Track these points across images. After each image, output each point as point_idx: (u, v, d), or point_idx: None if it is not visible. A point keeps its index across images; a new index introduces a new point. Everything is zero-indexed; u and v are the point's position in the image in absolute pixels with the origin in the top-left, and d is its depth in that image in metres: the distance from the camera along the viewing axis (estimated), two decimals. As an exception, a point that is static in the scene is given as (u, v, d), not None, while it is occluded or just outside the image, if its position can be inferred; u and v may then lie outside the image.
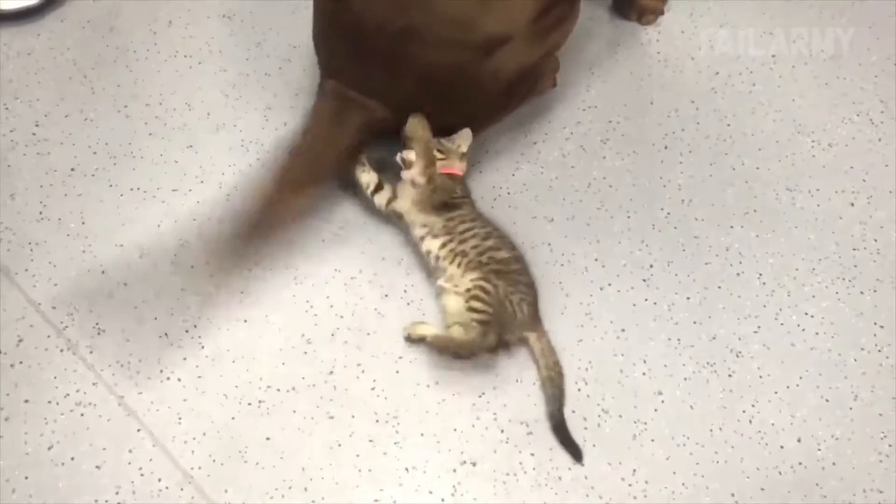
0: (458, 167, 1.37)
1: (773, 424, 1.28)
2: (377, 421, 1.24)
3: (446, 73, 1.29)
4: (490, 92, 1.35)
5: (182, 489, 1.18)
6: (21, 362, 1.26)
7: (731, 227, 1.46)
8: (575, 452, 1.23)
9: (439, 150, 1.35)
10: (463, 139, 1.37)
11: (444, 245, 1.31)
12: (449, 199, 1.34)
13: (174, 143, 1.48)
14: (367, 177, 1.38)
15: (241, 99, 1.54)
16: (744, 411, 1.29)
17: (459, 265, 1.29)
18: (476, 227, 1.32)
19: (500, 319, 1.25)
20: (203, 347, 1.29)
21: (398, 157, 1.36)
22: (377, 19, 1.27)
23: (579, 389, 1.29)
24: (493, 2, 1.26)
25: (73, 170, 1.44)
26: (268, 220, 1.32)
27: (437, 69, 1.29)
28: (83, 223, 1.38)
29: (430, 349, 1.28)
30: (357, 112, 1.34)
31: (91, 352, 1.27)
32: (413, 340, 1.30)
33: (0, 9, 1.59)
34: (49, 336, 1.28)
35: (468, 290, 1.26)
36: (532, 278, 1.31)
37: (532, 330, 1.28)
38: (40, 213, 1.39)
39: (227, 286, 1.33)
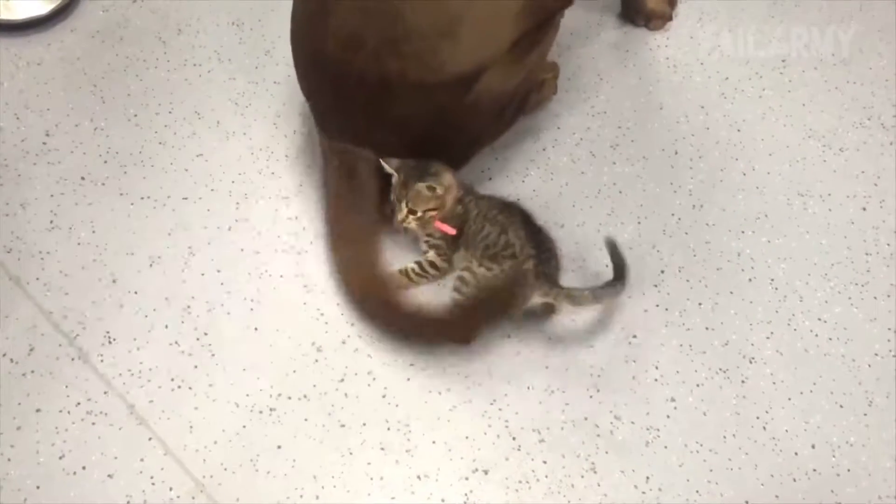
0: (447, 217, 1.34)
1: (786, 431, 1.27)
2: (388, 429, 1.24)
3: (427, 118, 1.28)
4: (475, 124, 1.34)
5: (193, 498, 1.17)
6: (32, 371, 1.26)
7: (743, 232, 1.46)
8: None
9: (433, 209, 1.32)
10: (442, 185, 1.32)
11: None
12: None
13: (184, 152, 1.48)
14: None
15: (250, 107, 1.54)
16: (757, 417, 1.28)
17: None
18: (480, 224, 1.32)
19: (488, 304, 1.28)
20: (214, 356, 1.28)
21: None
22: (356, 70, 1.25)
23: (591, 396, 1.28)
24: (465, 38, 1.23)
25: (83, 179, 1.44)
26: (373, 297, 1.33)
27: (417, 115, 1.28)
28: (94, 232, 1.39)
29: None
30: (361, 162, 1.33)
31: (102, 360, 1.27)
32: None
33: (9, 19, 1.59)
34: (60, 345, 1.28)
35: (457, 276, 1.31)
36: (529, 242, 1.28)
37: (537, 290, 1.26)
38: (51, 222, 1.39)
39: (238, 293, 1.33)
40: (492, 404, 1.27)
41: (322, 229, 1.39)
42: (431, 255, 1.34)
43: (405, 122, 1.29)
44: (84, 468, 1.19)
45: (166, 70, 1.58)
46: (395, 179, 1.31)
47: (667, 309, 1.37)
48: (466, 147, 1.38)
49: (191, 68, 1.59)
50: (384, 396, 1.26)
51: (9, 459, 1.19)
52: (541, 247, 1.30)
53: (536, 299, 1.28)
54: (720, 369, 1.32)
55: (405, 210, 1.31)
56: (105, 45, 1.60)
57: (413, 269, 1.34)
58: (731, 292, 1.39)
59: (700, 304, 1.38)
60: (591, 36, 1.67)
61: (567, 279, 1.38)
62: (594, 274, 1.39)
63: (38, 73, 1.56)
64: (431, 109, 1.27)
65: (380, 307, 1.31)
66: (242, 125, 1.52)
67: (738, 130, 1.58)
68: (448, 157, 1.37)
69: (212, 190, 1.44)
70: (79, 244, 1.37)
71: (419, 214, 1.31)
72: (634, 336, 1.34)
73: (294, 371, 1.28)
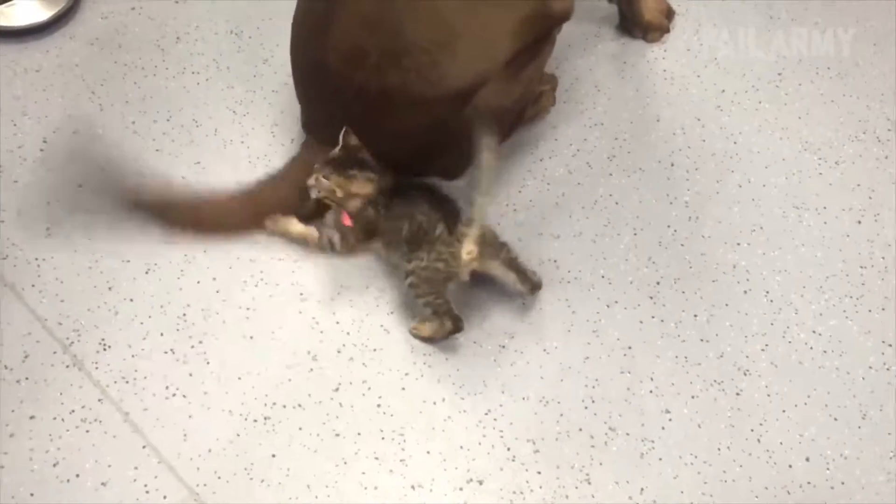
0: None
1: (781, 443, 1.27)
2: (383, 438, 1.24)
3: (424, 131, 1.29)
4: (471, 137, 1.35)
5: (187, 507, 1.17)
6: (27, 378, 1.26)
7: (738, 244, 1.46)
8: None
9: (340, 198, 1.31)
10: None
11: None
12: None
13: (181, 160, 1.48)
14: None
15: (248, 115, 1.54)
16: (752, 430, 1.28)
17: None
18: (392, 226, 1.31)
19: (441, 288, 1.28)
20: (209, 363, 1.28)
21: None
22: (357, 82, 1.26)
23: (586, 407, 1.28)
24: (463, 52, 1.24)
25: (80, 186, 1.44)
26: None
27: (415, 128, 1.28)
28: (89, 239, 1.38)
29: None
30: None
31: (97, 368, 1.27)
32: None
33: (8, 25, 1.60)
34: (55, 352, 1.28)
35: (407, 285, 1.30)
36: (434, 210, 1.29)
37: (463, 239, 1.25)
38: (47, 228, 1.39)
39: (231, 301, 1.33)
40: (486, 414, 1.27)
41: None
42: (336, 237, 1.35)
43: (402, 135, 1.29)
44: (78, 476, 1.18)
45: (164, 78, 1.58)
46: (334, 151, 1.30)
47: (662, 320, 1.37)
48: (462, 159, 1.38)
49: (189, 76, 1.59)
50: (379, 406, 1.26)
51: (2, 466, 1.18)
52: (448, 206, 1.30)
53: (467, 245, 1.25)
54: (715, 381, 1.32)
55: (312, 182, 1.30)
56: (103, 53, 1.60)
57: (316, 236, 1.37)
58: (727, 304, 1.39)
59: (695, 315, 1.38)
60: (589, 48, 1.68)
61: (562, 290, 1.38)
62: (588, 285, 1.39)
63: (36, 79, 1.56)
64: (429, 123, 1.27)
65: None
66: (240, 133, 1.52)
67: (735, 143, 1.59)
68: (443, 168, 1.37)
69: (209, 198, 1.44)
70: (75, 251, 1.37)
71: (319, 194, 1.30)
72: (629, 347, 1.34)
73: (289, 380, 1.28)
